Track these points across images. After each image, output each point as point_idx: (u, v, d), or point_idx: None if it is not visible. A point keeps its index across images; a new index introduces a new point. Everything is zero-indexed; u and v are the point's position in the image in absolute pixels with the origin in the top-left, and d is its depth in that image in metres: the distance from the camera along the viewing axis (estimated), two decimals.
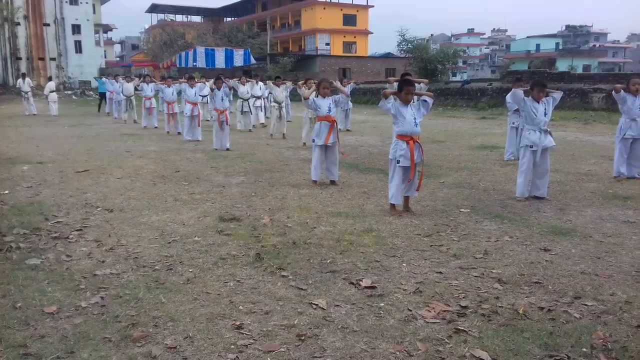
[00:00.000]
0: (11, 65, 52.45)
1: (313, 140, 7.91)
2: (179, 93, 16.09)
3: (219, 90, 11.74)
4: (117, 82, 21.58)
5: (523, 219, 5.86)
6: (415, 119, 6.02)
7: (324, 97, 7.81)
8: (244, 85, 16.53)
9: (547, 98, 6.84)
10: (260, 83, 17.82)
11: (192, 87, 14.03)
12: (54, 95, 23.79)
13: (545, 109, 6.78)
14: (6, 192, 7.17)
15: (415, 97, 6.35)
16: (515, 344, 3.04)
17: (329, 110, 7.79)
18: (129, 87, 19.79)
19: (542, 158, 6.78)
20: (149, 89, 17.61)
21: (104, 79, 25.58)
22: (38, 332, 3.16)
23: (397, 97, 6.09)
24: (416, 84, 7.21)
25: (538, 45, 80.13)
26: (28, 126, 18.03)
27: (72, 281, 3.98)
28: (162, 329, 3.21)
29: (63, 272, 4.18)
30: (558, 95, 6.99)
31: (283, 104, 14.91)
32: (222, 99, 11.77)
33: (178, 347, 3.00)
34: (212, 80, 17.10)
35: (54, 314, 3.40)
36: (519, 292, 3.81)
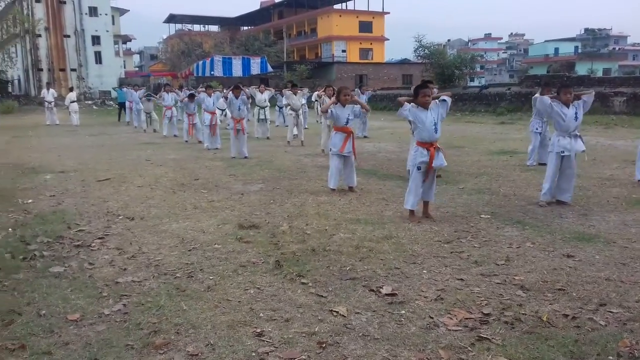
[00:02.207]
0: (33, 76, 53.50)
1: (330, 150, 7.91)
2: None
3: (236, 99, 11.80)
4: (135, 92, 21.89)
5: (545, 224, 5.79)
6: (435, 124, 5.98)
7: (344, 106, 7.77)
8: (262, 93, 16.65)
9: (577, 101, 6.64)
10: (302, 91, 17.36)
11: (209, 97, 14.15)
12: (75, 106, 24.16)
13: (576, 112, 6.58)
14: (30, 201, 7.29)
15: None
16: (540, 352, 2.99)
17: (347, 122, 7.78)
18: (149, 105, 20.16)
19: (569, 162, 6.67)
20: (169, 98, 17.81)
21: (123, 88, 25.91)
22: (62, 339, 3.20)
23: (415, 102, 6.04)
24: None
25: (557, 49, 79.33)
26: (50, 136, 18.32)
27: (94, 289, 4.02)
28: (184, 336, 3.23)
29: (86, 279, 4.23)
30: (589, 97, 6.73)
31: (300, 111, 14.95)
32: (239, 108, 11.83)
33: (200, 354, 3.01)
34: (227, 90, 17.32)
35: (77, 322, 3.44)
36: (543, 299, 3.76)
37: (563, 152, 6.60)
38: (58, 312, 3.59)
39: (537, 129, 10.12)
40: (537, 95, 9.62)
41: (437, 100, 6.11)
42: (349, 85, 48.23)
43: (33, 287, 4.04)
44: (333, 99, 7.92)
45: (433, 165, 6.00)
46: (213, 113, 13.99)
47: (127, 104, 23.97)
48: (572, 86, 6.87)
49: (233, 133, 11.85)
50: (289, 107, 15.31)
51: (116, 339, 3.19)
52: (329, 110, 7.74)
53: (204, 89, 14.92)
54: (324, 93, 13.24)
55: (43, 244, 5.19)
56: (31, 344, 3.14)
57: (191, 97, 15.44)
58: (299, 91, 15.30)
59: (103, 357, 2.97)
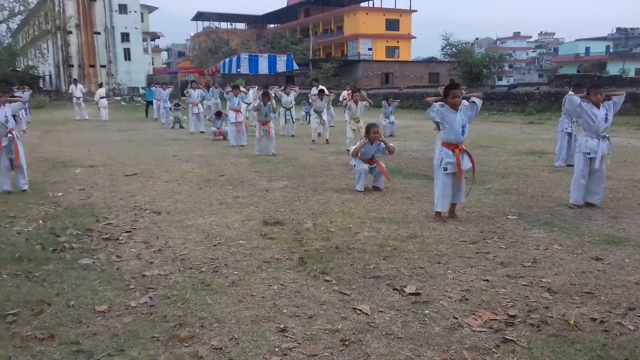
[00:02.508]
0: (63, 72, 54.56)
1: (353, 164, 7.88)
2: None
3: (265, 105, 11.96)
4: (164, 90, 22.20)
5: (574, 227, 5.69)
6: (463, 126, 5.90)
7: (372, 143, 7.76)
8: (288, 95, 16.81)
9: (608, 102, 6.48)
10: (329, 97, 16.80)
11: (236, 96, 14.26)
12: (104, 101, 24.59)
13: (606, 113, 6.43)
14: (60, 194, 7.45)
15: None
16: (566, 356, 2.95)
17: (372, 157, 7.85)
18: (178, 114, 20.65)
19: (599, 164, 6.53)
20: (195, 94, 18.00)
21: (152, 87, 26.23)
22: (90, 329, 3.26)
23: (444, 102, 5.96)
24: None
25: (587, 49, 77.72)
26: (80, 131, 18.68)
27: (122, 281, 4.10)
28: (209, 330, 3.26)
29: (113, 272, 4.31)
30: (619, 98, 6.59)
31: (323, 113, 15.01)
32: (266, 115, 12.01)
33: (224, 348, 3.04)
34: (253, 89, 17.50)
35: (104, 313, 3.50)
36: (570, 302, 3.70)
37: (589, 153, 6.47)
38: (86, 303, 3.67)
39: (565, 129, 9.94)
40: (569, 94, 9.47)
41: (466, 101, 6.02)
42: (374, 83, 48.14)
43: (62, 278, 4.13)
44: (363, 140, 7.89)
45: (461, 168, 5.92)
46: (238, 111, 14.11)
47: (154, 102, 24.30)
48: (603, 86, 6.67)
49: (258, 134, 11.97)
50: (313, 109, 15.44)
51: (142, 331, 3.24)
52: (358, 152, 7.82)
53: (231, 89, 15.04)
54: (349, 97, 13.29)
55: (72, 236, 5.30)
56: (60, 333, 3.21)
57: (218, 114, 15.81)
58: (325, 96, 15.40)
59: (129, 349, 3.02)
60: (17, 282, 4.05)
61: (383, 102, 17.74)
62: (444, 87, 6.74)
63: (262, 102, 12.05)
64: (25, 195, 7.39)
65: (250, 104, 16.63)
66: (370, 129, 7.88)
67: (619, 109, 6.63)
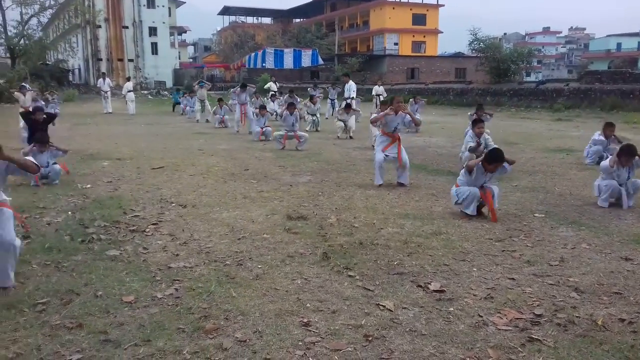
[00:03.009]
0: (92, 66, 55.42)
1: (374, 147, 7.90)
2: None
3: (291, 115, 12.03)
4: (191, 99, 22.47)
5: (602, 226, 5.58)
6: (484, 183, 5.97)
7: (396, 114, 7.70)
8: (314, 105, 16.96)
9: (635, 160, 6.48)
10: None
11: (263, 116, 14.37)
12: (132, 95, 24.92)
13: (629, 171, 6.48)
14: (88, 186, 7.58)
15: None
16: (593, 356, 2.90)
17: (395, 130, 7.77)
18: (203, 93, 20.69)
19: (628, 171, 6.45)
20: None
21: (180, 99, 26.31)
22: (117, 319, 3.32)
23: (482, 163, 5.89)
24: None
25: (619, 44, 75.98)
26: (107, 124, 18.97)
27: (148, 272, 4.16)
28: (233, 322, 3.29)
29: (140, 263, 4.37)
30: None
31: (348, 122, 14.90)
32: (293, 124, 12.15)
33: (248, 340, 3.07)
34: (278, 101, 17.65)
35: (131, 303, 3.56)
36: (598, 302, 3.63)
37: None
38: (114, 293, 3.73)
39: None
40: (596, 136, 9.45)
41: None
42: (400, 79, 47.83)
43: (90, 269, 4.21)
44: (386, 110, 7.86)
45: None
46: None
47: (181, 105, 24.83)
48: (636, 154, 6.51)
49: (283, 142, 12.00)
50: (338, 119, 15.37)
51: (168, 322, 3.28)
52: (378, 120, 7.78)
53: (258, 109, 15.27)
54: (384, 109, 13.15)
55: (100, 227, 5.39)
56: (88, 323, 3.27)
57: (262, 108, 15.91)
58: (317, 99, 15.63)
59: (155, 339, 3.07)
60: (46, 272, 4.15)
61: (410, 99, 17.62)
62: (476, 110, 6.69)
63: (288, 112, 12.11)
64: (55, 187, 7.54)
65: (276, 112, 17.05)
66: (394, 98, 7.85)
67: None
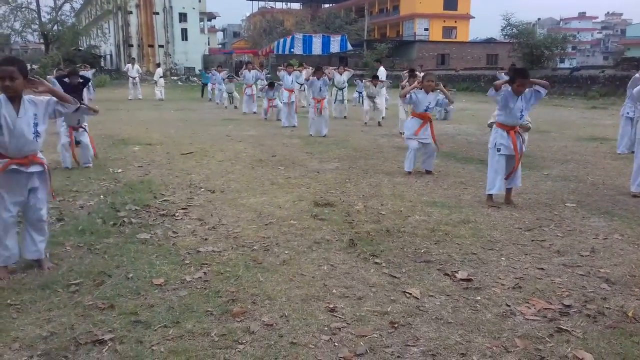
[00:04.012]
0: (123, 52, 56.11)
1: (404, 133, 7.79)
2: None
3: (318, 80, 11.93)
4: (219, 73, 22.48)
5: (636, 216, 5.45)
6: (522, 111, 5.76)
7: (427, 93, 7.61)
8: (341, 74, 16.58)
9: None
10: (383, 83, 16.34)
11: (289, 74, 14.29)
12: (162, 81, 25.17)
13: None
14: (120, 170, 7.73)
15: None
16: (623, 348, 2.85)
17: (426, 109, 7.63)
18: (231, 86, 21.10)
19: None
20: (250, 76, 18.15)
21: (208, 73, 26.44)
22: (147, 301, 3.40)
23: (510, 85, 5.74)
24: None
25: None
26: (138, 110, 19.25)
27: (177, 256, 4.23)
28: (260, 306, 3.34)
29: (170, 247, 4.45)
30: None
31: (376, 99, 14.81)
32: (321, 89, 11.97)
33: (274, 324, 3.10)
34: (307, 70, 17.37)
35: (161, 286, 3.64)
36: (629, 293, 3.56)
37: None
38: (144, 276, 3.81)
39: (627, 113, 9.49)
40: (638, 75, 9.02)
41: (532, 87, 5.82)
42: (430, 64, 47.19)
43: (122, 252, 4.31)
44: (415, 83, 7.76)
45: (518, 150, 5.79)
46: (291, 91, 14.16)
47: (209, 85, 24.67)
48: None
49: (313, 111, 11.98)
50: (367, 95, 15.22)
51: (197, 305, 3.34)
52: (409, 95, 7.59)
53: (284, 67, 15.12)
54: (407, 82, 13.01)
55: (131, 211, 5.50)
56: (119, 304, 3.35)
57: (271, 85, 15.81)
58: (378, 82, 15.18)
59: (184, 321, 3.13)
60: (79, 254, 4.25)
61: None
62: (509, 70, 6.50)
63: (315, 77, 12.03)
64: (88, 170, 7.71)
65: (303, 84, 16.63)
66: (426, 77, 7.75)
67: None
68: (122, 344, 2.88)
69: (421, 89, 7.59)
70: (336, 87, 16.55)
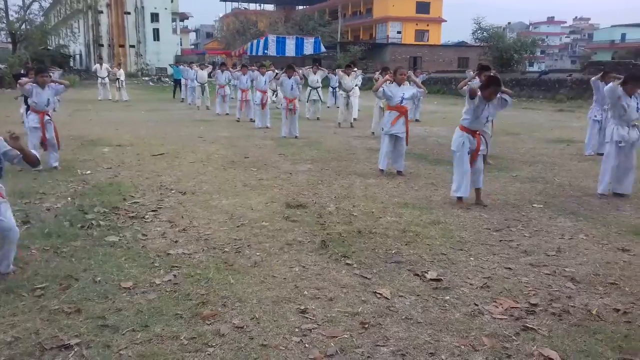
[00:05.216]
0: (94, 52, 55.20)
1: (382, 129, 7.86)
2: (252, 81, 16.37)
3: (289, 78, 11.88)
4: (191, 69, 22.25)
5: (600, 217, 5.59)
6: (488, 117, 5.91)
7: (399, 85, 7.70)
8: (315, 74, 16.59)
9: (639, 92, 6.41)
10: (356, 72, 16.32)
11: (262, 75, 14.22)
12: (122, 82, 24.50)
13: (637, 104, 6.38)
14: (88, 172, 7.60)
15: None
16: (587, 346, 2.93)
17: (401, 101, 7.68)
18: (203, 74, 20.64)
19: (628, 153, 6.43)
20: (223, 77, 18.04)
21: (180, 66, 26.30)
22: (115, 305, 3.35)
23: (482, 92, 5.82)
24: None
25: (624, 35, 75.34)
26: (108, 110, 18.93)
27: (147, 259, 4.18)
28: (230, 309, 3.32)
29: (139, 249, 4.39)
30: None
31: (351, 92, 14.84)
32: (292, 88, 11.91)
33: (245, 327, 3.09)
34: (281, 72, 17.31)
35: (130, 289, 3.59)
36: (593, 292, 3.66)
37: (620, 142, 6.36)
38: (112, 279, 3.76)
39: (595, 116, 9.73)
40: (595, 78, 9.34)
41: (500, 95, 5.93)
42: (402, 67, 47.59)
43: (89, 255, 4.24)
44: (386, 77, 7.85)
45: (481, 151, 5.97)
46: (264, 92, 14.11)
47: (182, 81, 24.40)
48: None
49: (285, 113, 11.95)
50: (341, 87, 15.21)
51: (166, 308, 3.31)
52: (381, 89, 7.64)
53: (257, 68, 15.05)
54: (381, 75, 13.06)
55: (100, 213, 5.42)
56: (86, 308, 3.30)
57: (244, 67, 15.67)
58: (352, 72, 15.17)
59: (153, 325, 3.09)
60: (45, 257, 4.17)
61: (409, 71, 17.43)
62: (478, 68, 6.65)
63: (286, 76, 11.98)
64: (55, 172, 7.56)
65: (275, 90, 16.58)
66: (398, 70, 7.84)
67: None
68: (89, 348, 2.84)
69: (392, 81, 7.68)
70: (310, 86, 16.54)
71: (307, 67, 18.06)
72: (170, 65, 40.47)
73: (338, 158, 9.21)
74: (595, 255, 4.40)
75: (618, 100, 6.36)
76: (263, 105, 14.02)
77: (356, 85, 15.46)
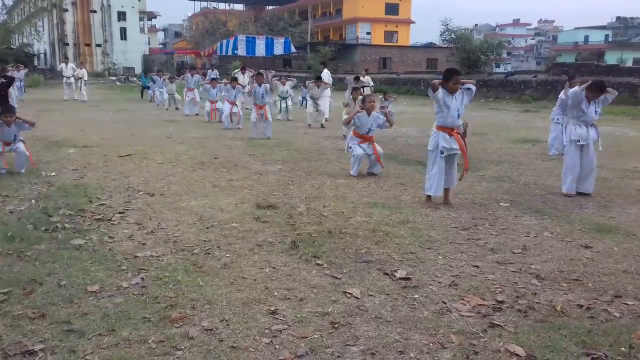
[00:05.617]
0: (59, 51, 54.03)
1: (349, 147, 7.87)
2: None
3: (259, 86, 11.89)
4: (160, 78, 22.03)
5: (564, 215, 5.73)
6: (458, 110, 5.95)
7: (369, 115, 7.76)
8: (284, 85, 16.62)
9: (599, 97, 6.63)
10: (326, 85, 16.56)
11: (233, 88, 14.03)
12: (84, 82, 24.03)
13: (595, 108, 6.63)
14: (53, 174, 7.43)
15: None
16: (552, 341, 2.99)
17: (369, 132, 7.81)
18: (172, 87, 20.37)
19: (588, 153, 6.62)
20: (192, 81, 17.92)
21: (149, 77, 25.85)
22: (81, 309, 3.28)
23: (444, 86, 5.92)
24: None
25: (586, 37, 77.41)
26: (74, 111, 18.54)
27: (114, 262, 4.11)
28: (200, 311, 3.29)
29: (105, 252, 4.32)
30: (612, 96, 6.75)
31: (319, 101, 14.94)
32: (262, 96, 11.94)
33: (214, 329, 3.07)
34: (248, 73, 17.24)
35: (96, 293, 3.52)
36: (558, 288, 3.74)
37: (579, 141, 6.57)
38: (78, 283, 3.68)
39: (557, 119, 9.98)
40: (562, 95, 9.62)
41: (461, 87, 6.03)
42: (372, 67, 47.87)
43: (54, 258, 4.14)
44: (357, 106, 7.90)
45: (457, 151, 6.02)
46: (233, 103, 13.96)
47: (150, 91, 24.28)
48: (606, 88, 6.69)
49: (256, 117, 11.91)
50: (311, 97, 15.35)
51: (133, 312, 3.26)
52: (353, 120, 7.80)
53: (228, 81, 14.88)
54: (351, 96, 12.97)
55: (65, 216, 5.30)
56: (51, 313, 3.22)
57: (213, 81, 15.57)
58: (322, 84, 15.32)
59: (120, 329, 3.05)
60: (8, 262, 4.06)
61: (380, 96, 17.62)
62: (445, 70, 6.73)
63: (256, 84, 11.97)
64: (18, 174, 7.36)
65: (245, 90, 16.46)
66: (367, 98, 7.89)
67: (607, 104, 6.87)
68: (54, 354, 2.78)
69: (363, 109, 7.74)
70: (280, 96, 16.59)
71: (275, 77, 17.96)
72: (139, 75, 39.69)
73: (308, 158, 9.22)
74: (559, 253, 4.51)
75: (579, 103, 6.57)
76: (232, 114, 13.88)
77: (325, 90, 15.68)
